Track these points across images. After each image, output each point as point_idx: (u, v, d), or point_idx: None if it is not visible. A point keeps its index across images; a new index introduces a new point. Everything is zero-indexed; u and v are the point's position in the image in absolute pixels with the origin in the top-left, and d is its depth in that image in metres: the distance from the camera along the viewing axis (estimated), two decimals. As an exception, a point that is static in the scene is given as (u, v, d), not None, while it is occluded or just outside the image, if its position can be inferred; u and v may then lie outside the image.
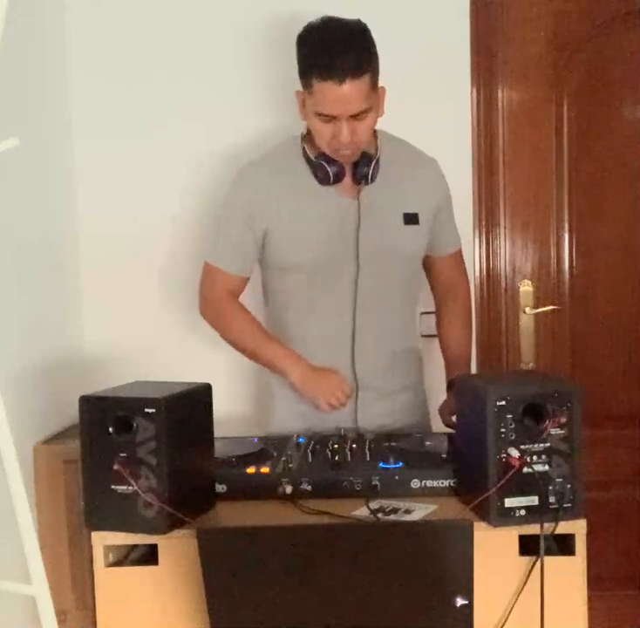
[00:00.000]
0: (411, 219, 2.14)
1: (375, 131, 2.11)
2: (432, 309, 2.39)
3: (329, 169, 2.07)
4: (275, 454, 1.90)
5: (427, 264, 2.29)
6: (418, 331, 2.35)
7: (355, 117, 1.97)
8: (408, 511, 1.68)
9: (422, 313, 2.57)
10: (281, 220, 2.12)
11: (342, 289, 2.13)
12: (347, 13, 2.04)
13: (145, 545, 1.70)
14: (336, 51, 1.92)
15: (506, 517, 1.59)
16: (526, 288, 2.86)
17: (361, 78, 1.93)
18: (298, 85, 2.03)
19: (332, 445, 1.89)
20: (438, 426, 2.25)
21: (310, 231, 2.11)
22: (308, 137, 2.13)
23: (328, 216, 2.11)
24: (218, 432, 1.82)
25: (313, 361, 2.13)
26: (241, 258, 2.17)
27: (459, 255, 2.34)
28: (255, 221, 2.13)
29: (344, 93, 1.93)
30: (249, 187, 2.14)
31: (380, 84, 2.02)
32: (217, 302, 2.21)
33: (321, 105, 1.97)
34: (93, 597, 1.70)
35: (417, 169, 2.18)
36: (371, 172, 2.09)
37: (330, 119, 1.98)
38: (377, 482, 1.76)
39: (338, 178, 2.09)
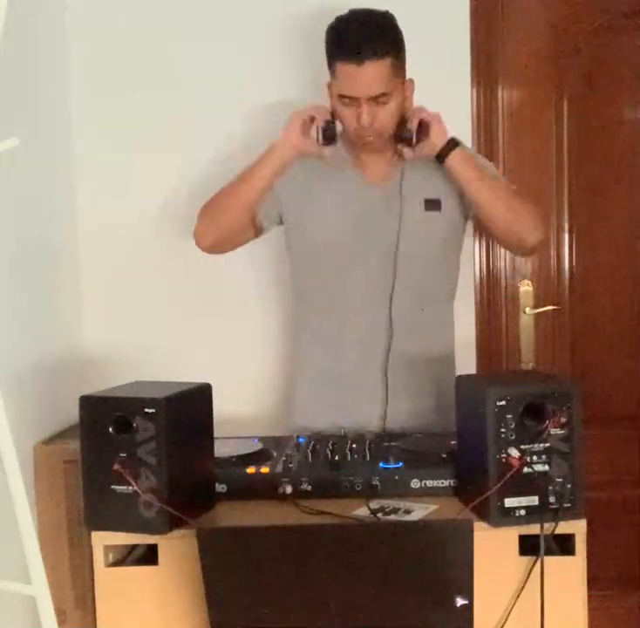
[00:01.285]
0: (432, 205, 2.15)
1: None
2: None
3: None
4: (275, 454, 1.90)
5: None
6: (454, 330, 2.31)
7: (375, 100, 2.01)
8: (408, 511, 1.68)
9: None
10: (304, 202, 2.17)
11: (368, 278, 2.15)
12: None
13: (145, 545, 1.69)
14: (357, 33, 1.99)
15: (506, 517, 1.59)
16: (526, 288, 2.86)
17: (381, 60, 1.98)
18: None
19: (332, 445, 1.89)
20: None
21: (331, 215, 2.15)
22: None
23: (351, 203, 2.15)
24: (218, 432, 1.82)
25: (345, 356, 2.18)
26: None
27: None
28: (277, 199, 2.18)
29: (363, 74, 1.98)
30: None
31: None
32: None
33: (342, 86, 2.02)
34: (93, 597, 1.70)
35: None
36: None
37: (352, 101, 2.02)
38: (377, 482, 1.76)
39: None
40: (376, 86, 2.00)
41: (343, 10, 2.08)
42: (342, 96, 2.03)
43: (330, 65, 2.06)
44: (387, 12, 2.06)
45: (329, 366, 2.21)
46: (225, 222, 2.19)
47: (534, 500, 1.59)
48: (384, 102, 2.02)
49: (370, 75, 1.98)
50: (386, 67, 2.00)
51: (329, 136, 2.08)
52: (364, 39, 1.98)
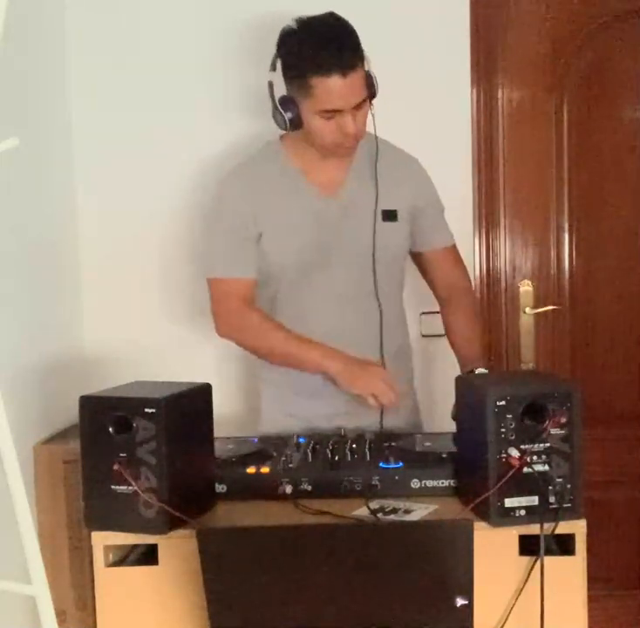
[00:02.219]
0: (388, 216, 2.16)
1: None
2: (433, 309, 2.39)
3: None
4: (275, 454, 1.89)
5: (422, 263, 2.30)
6: (411, 329, 2.36)
7: (357, 107, 2.01)
8: (408, 511, 1.68)
9: (423, 313, 2.57)
10: (269, 224, 2.14)
11: (329, 289, 2.16)
12: (347, 13, 2.04)
13: (145, 545, 1.69)
14: (332, 47, 1.96)
15: (506, 517, 1.59)
16: (526, 288, 2.86)
17: (359, 68, 1.99)
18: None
19: (332, 445, 1.89)
20: (432, 424, 2.26)
21: (295, 233, 2.13)
22: (286, 138, 2.17)
23: (311, 217, 2.14)
24: (218, 432, 1.82)
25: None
26: (245, 261, 2.15)
27: (453, 251, 2.32)
28: (249, 227, 2.14)
29: (348, 85, 1.97)
30: (236, 195, 2.16)
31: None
32: (233, 313, 2.14)
33: (325, 101, 1.99)
34: (93, 597, 1.70)
35: (396, 167, 2.19)
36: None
37: (333, 114, 2.01)
38: (377, 482, 1.76)
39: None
40: (359, 95, 2.00)
41: (341, 10, 2.05)
42: (324, 111, 2.01)
43: (300, 82, 2.00)
44: (339, 16, 2.02)
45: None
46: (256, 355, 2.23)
47: (534, 500, 1.59)
48: (363, 107, 2.03)
49: (353, 85, 1.98)
50: (363, 73, 2.01)
51: None
52: (341, 51, 1.96)
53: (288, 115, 2.06)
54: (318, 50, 1.97)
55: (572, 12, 2.78)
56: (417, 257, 2.30)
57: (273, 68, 2.08)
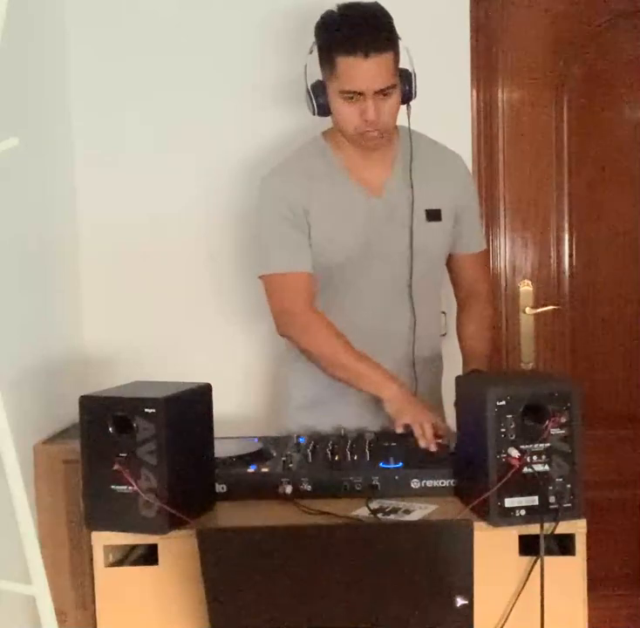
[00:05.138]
0: (433, 215, 2.14)
1: (396, 126, 2.11)
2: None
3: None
4: (275, 454, 1.90)
5: (449, 263, 2.28)
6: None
7: (380, 93, 1.98)
8: (408, 511, 1.68)
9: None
10: (317, 222, 2.11)
11: (368, 290, 2.14)
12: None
13: (145, 545, 1.69)
14: (360, 27, 1.96)
15: (506, 517, 1.59)
16: (526, 288, 2.86)
17: (385, 53, 1.96)
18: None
19: (332, 445, 1.89)
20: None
21: (341, 233, 2.11)
22: (329, 134, 2.15)
23: (358, 217, 2.12)
24: (218, 432, 1.82)
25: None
26: (303, 254, 2.09)
27: (483, 256, 2.32)
28: (303, 222, 2.10)
29: (370, 67, 1.95)
30: (290, 189, 2.11)
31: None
32: (299, 314, 2.08)
33: (346, 81, 1.97)
34: (93, 598, 1.69)
35: (439, 164, 2.18)
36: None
37: (355, 97, 1.98)
38: (377, 482, 1.76)
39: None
40: (382, 80, 1.96)
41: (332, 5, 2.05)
42: (345, 92, 1.98)
43: (328, 61, 2.00)
44: (380, 5, 2.02)
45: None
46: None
47: (534, 500, 1.59)
48: (388, 97, 1.99)
49: (376, 68, 1.95)
50: (390, 60, 1.97)
51: None
52: (368, 32, 1.94)
53: (317, 100, 2.05)
54: (346, 29, 1.97)
55: (572, 12, 2.78)
56: (447, 257, 2.27)
57: (311, 52, 2.06)
